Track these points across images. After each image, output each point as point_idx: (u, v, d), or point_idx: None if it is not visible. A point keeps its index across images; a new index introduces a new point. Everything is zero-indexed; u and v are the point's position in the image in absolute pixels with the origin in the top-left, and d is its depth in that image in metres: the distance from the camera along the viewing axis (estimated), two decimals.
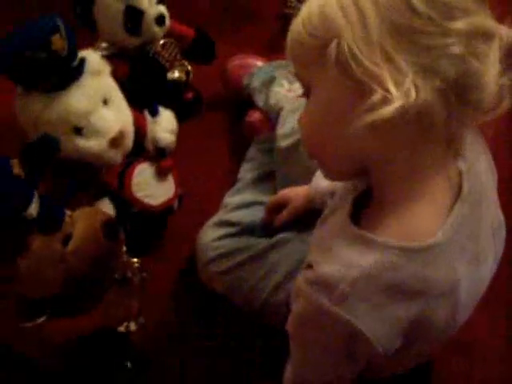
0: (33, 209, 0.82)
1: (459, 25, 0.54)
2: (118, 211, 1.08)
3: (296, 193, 1.04)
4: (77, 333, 0.94)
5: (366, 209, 0.66)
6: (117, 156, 1.05)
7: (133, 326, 1.02)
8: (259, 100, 1.26)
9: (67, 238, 0.86)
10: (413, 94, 0.53)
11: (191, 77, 1.30)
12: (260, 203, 1.09)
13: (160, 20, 1.17)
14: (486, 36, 0.55)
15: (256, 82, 1.29)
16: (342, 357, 0.68)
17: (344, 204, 0.68)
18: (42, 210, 0.84)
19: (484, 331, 1.01)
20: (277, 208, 1.06)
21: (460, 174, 0.63)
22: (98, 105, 1.01)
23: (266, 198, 1.10)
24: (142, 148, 1.14)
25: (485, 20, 0.56)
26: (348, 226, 0.64)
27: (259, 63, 1.35)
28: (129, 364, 1.01)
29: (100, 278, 0.92)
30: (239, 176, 1.17)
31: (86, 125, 0.99)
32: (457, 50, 0.54)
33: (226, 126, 1.36)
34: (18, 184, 0.82)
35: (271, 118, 1.21)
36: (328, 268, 0.62)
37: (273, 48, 1.45)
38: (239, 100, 1.34)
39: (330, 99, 0.60)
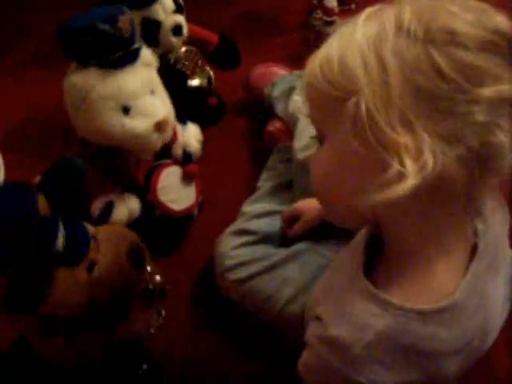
0: (59, 244, 0.81)
1: (488, 92, 0.50)
2: (144, 210, 1.09)
3: (310, 205, 1.04)
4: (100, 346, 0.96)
5: (378, 258, 0.64)
6: (158, 141, 1.07)
7: (152, 330, 1.06)
8: (279, 109, 1.27)
9: (92, 265, 0.85)
10: (429, 166, 0.50)
11: (214, 82, 1.29)
12: (278, 213, 1.10)
13: (177, 30, 1.19)
14: None
15: (277, 92, 1.30)
16: None
17: (356, 250, 0.66)
18: (67, 243, 0.82)
19: (499, 355, 1.01)
20: (291, 220, 1.05)
21: (476, 230, 0.62)
22: (147, 92, 1.04)
23: (284, 208, 1.09)
24: (169, 153, 1.16)
25: None
26: (361, 280, 0.62)
27: (282, 73, 1.34)
28: (145, 366, 1.01)
29: (124, 301, 0.92)
30: (258, 185, 1.18)
31: (135, 105, 1.02)
32: (482, 118, 0.51)
33: (247, 133, 1.37)
34: (44, 224, 0.81)
35: (290, 127, 1.19)
36: (341, 329, 0.62)
37: (297, 58, 1.45)
38: (261, 109, 1.32)
39: (344, 158, 0.58)
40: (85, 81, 0.98)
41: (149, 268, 0.98)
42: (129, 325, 0.94)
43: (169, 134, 1.08)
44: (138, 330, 0.97)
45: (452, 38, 0.50)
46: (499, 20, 0.52)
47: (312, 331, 0.65)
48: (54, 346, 0.90)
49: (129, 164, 1.08)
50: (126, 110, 1.01)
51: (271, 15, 1.69)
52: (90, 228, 0.89)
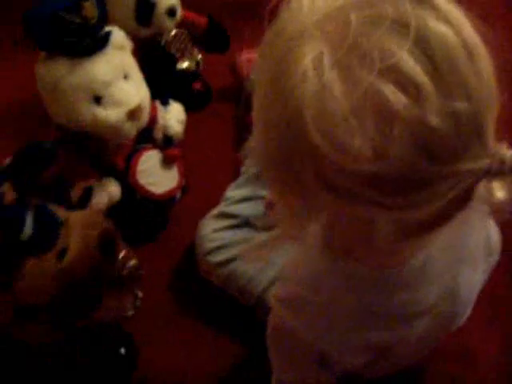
0: (27, 230, 0.81)
1: None
2: (123, 193, 1.09)
3: None
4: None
5: None
6: (132, 129, 1.06)
7: (131, 312, 1.05)
8: None
9: (62, 252, 0.85)
10: None
11: (201, 66, 1.30)
12: (261, 198, 1.09)
13: (171, 12, 1.19)
14: None
15: None
16: (314, 366, 0.69)
17: None
18: (35, 231, 0.83)
19: (477, 338, 1.01)
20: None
21: None
22: (120, 77, 1.02)
23: (267, 193, 1.08)
24: (150, 137, 1.15)
25: None
26: (320, 245, 0.61)
27: None
28: (122, 350, 1.02)
29: (94, 288, 0.92)
30: (242, 170, 1.17)
31: (106, 94, 1.00)
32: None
33: (234, 119, 1.36)
34: (9, 212, 0.82)
35: None
36: (295, 288, 0.63)
37: None
38: (245, 93, 1.32)
39: None
40: (53, 71, 0.98)
41: (123, 253, 0.98)
42: (102, 311, 0.94)
43: (143, 120, 1.07)
44: (112, 315, 0.98)
45: None
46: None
47: (273, 293, 0.67)
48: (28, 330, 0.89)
49: (106, 149, 1.08)
50: (97, 100, 1.00)
51: (261, 1, 1.69)
52: (62, 213, 0.88)
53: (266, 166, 0.50)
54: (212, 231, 1.05)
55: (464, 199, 0.45)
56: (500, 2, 1.42)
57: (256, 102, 0.48)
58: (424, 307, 0.63)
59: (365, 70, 0.40)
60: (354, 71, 0.41)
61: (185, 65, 1.29)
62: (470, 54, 0.43)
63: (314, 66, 0.42)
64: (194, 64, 1.29)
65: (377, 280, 0.59)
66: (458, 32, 0.42)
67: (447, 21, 0.42)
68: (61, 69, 0.97)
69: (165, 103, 1.17)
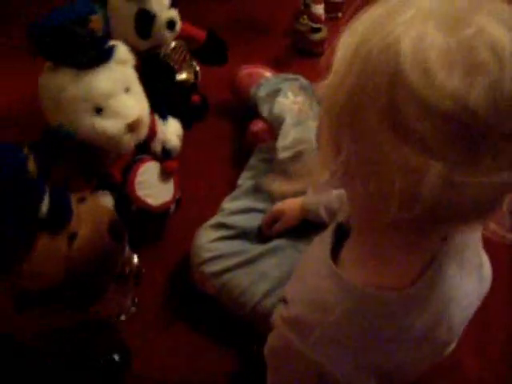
0: (44, 207, 0.82)
1: None
2: (118, 205, 1.10)
3: (290, 206, 1.06)
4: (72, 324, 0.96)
5: (346, 243, 0.65)
6: (131, 141, 1.08)
7: (123, 317, 1.06)
8: (264, 110, 1.29)
9: (73, 236, 0.86)
10: None
11: (199, 78, 1.32)
12: (257, 210, 1.11)
13: (171, 24, 1.21)
14: None
15: (262, 92, 1.32)
16: None
17: (326, 237, 0.67)
18: (51, 208, 0.84)
19: (467, 354, 1.02)
20: (271, 223, 1.07)
21: None
22: (121, 90, 1.04)
23: (263, 206, 1.11)
24: (148, 149, 1.17)
25: None
26: (328, 263, 0.62)
27: (268, 74, 1.38)
28: (116, 357, 1.03)
29: (102, 276, 0.93)
30: (239, 183, 1.19)
31: (107, 106, 1.02)
32: None
33: (230, 133, 1.39)
34: (32, 185, 0.82)
35: (274, 127, 1.21)
36: (303, 309, 0.63)
37: (282, 62, 1.47)
38: (245, 108, 1.35)
39: None
40: (56, 81, 0.99)
41: (127, 250, 0.98)
42: (103, 304, 0.95)
43: (142, 133, 1.09)
44: (111, 312, 0.99)
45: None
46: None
47: (277, 312, 0.67)
48: (27, 323, 0.90)
49: (102, 160, 1.09)
50: (98, 111, 1.01)
51: (261, 19, 1.72)
52: (73, 203, 0.89)
53: (331, 106, 0.52)
54: (207, 241, 1.07)
55: (492, 204, 0.48)
56: None
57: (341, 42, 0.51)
58: (423, 331, 0.64)
59: (460, 29, 0.44)
60: (451, 27, 0.45)
61: (183, 76, 1.30)
62: None
63: (417, 18, 0.46)
64: (192, 75, 1.31)
65: (388, 303, 0.60)
66: None
67: None
68: (64, 80, 0.99)
69: (163, 118, 1.19)
